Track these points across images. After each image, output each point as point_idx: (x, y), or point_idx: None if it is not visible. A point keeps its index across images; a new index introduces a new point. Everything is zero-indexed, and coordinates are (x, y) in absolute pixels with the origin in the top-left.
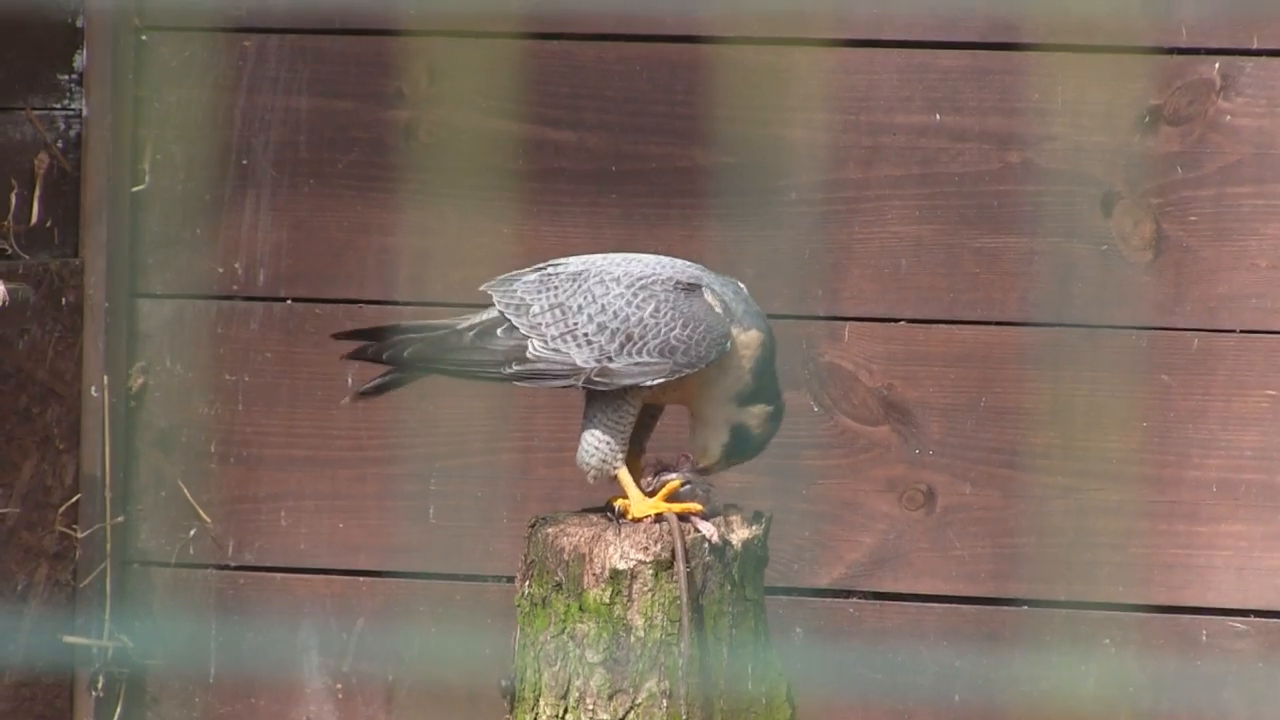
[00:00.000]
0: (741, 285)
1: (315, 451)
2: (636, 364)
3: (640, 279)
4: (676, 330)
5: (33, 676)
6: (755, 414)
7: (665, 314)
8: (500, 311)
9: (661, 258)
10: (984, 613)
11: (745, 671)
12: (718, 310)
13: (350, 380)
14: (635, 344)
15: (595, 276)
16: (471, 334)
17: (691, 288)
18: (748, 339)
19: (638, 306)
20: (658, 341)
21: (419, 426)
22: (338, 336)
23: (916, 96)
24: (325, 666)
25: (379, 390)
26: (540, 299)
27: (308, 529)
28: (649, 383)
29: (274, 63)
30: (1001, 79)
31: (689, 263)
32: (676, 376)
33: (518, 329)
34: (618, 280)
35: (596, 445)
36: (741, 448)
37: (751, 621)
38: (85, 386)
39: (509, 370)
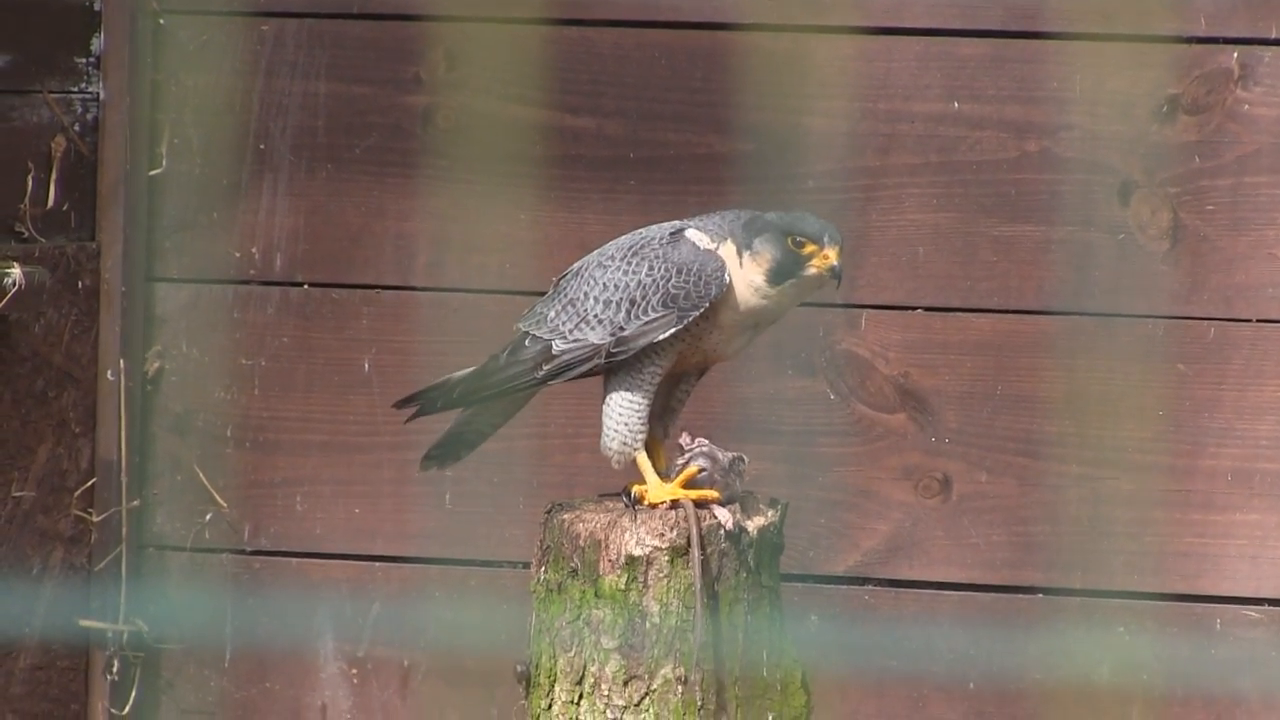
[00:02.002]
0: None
1: (331, 436)
2: (646, 323)
3: (630, 247)
4: (673, 279)
5: (48, 660)
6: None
7: (659, 269)
8: (525, 332)
9: (650, 226)
10: (999, 600)
11: (760, 658)
12: (705, 246)
13: (367, 366)
14: (639, 306)
15: (594, 263)
16: (504, 355)
17: (676, 234)
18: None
19: (633, 272)
20: (659, 296)
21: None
22: (397, 405)
23: (935, 84)
24: (341, 651)
25: (444, 455)
26: (553, 305)
27: (323, 514)
28: (662, 336)
29: (292, 47)
30: (1020, 67)
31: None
32: (685, 322)
33: (541, 338)
34: (612, 257)
35: (616, 429)
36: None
37: (767, 608)
38: (101, 370)
39: (541, 373)
